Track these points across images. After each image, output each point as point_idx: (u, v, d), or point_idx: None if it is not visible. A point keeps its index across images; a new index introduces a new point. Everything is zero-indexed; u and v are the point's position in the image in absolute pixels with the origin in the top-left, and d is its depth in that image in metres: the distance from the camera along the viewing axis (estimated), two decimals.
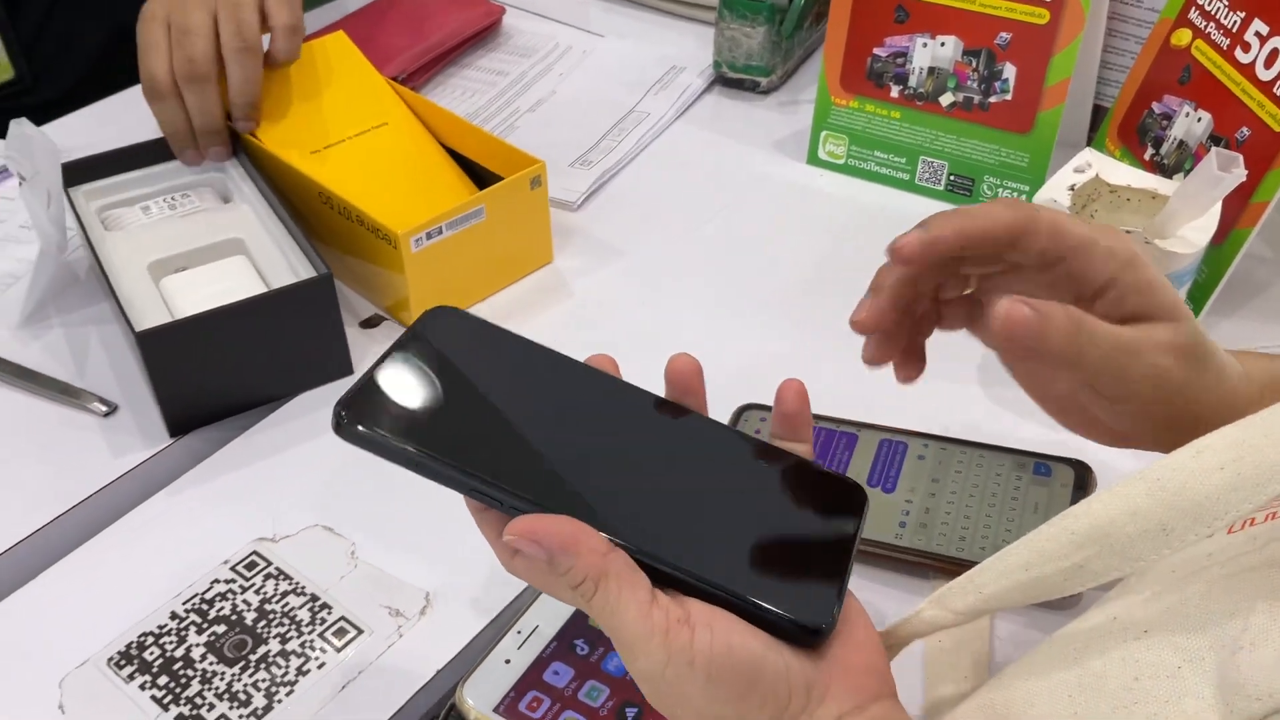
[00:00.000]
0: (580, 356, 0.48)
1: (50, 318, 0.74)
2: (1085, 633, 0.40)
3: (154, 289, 0.68)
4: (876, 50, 0.82)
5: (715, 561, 0.40)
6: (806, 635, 0.39)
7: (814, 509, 0.43)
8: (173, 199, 0.76)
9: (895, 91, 0.83)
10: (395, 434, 0.40)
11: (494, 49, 1.02)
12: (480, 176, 0.80)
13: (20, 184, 0.72)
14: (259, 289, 0.68)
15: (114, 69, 0.97)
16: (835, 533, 0.42)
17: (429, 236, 0.69)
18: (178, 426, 0.66)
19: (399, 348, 0.43)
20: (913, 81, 0.82)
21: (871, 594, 0.56)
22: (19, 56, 0.98)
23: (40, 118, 1.01)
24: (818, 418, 0.64)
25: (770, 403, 0.64)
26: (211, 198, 0.77)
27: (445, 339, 0.45)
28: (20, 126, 0.71)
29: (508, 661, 0.52)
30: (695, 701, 0.38)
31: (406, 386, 0.42)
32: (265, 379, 0.68)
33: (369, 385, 0.42)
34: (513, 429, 0.43)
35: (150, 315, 0.66)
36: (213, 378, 0.66)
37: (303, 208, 0.75)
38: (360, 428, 0.40)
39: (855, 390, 0.68)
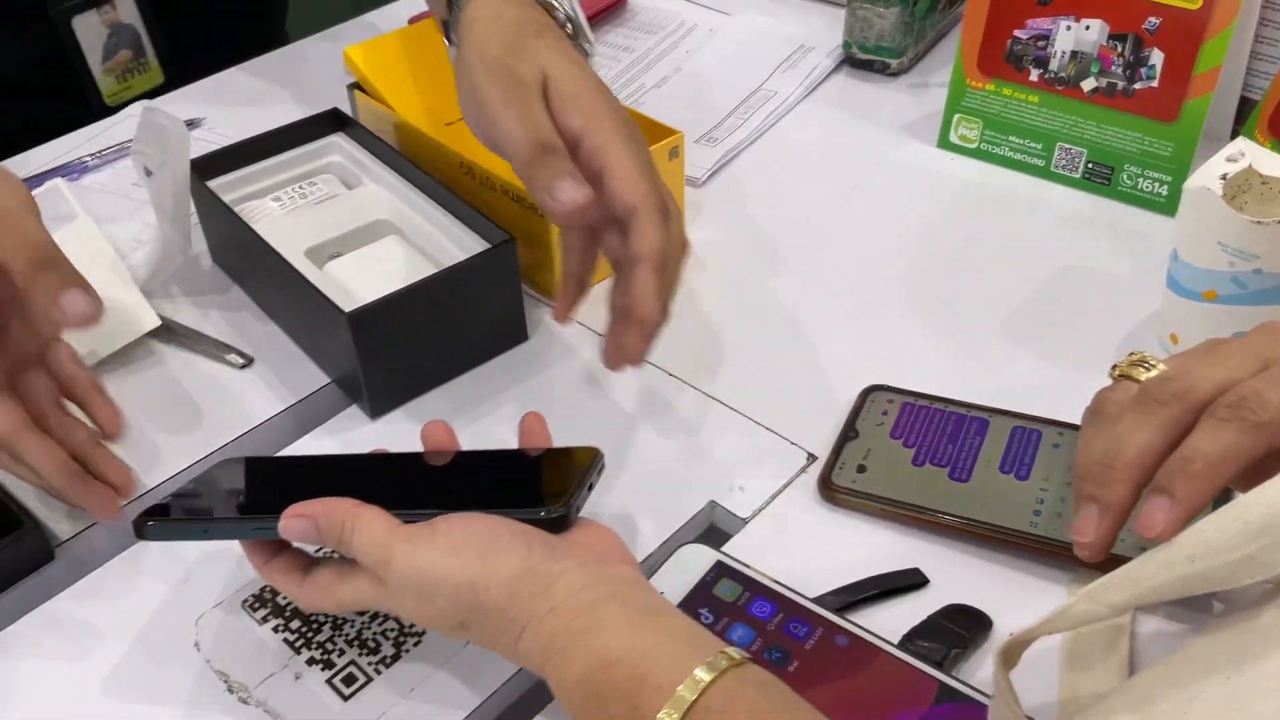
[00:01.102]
0: (705, 332, 0.50)
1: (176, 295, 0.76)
2: (1259, 630, 0.38)
3: (321, 274, 0.69)
4: (1017, 32, 0.80)
5: (464, 500, 0.50)
6: (548, 525, 0.48)
7: (553, 463, 0.55)
8: (300, 188, 0.77)
9: (1035, 75, 0.81)
10: (187, 518, 0.53)
11: (619, 24, 1.02)
12: None
13: (148, 176, 0.73)
14: (425, 265, 0.69)
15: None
16: (572, 471, 0.52)
17: None
18: (379, 408, 0.66)
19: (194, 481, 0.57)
20: (1054, 65, 0.80)
21: (1006, 581, 0.55)
22: (168, 63, 1.00)
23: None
24: (947, 401, 0.63)
25: (900, 385, 0.65)
26: (335, 184, 0.78)
27: (228, 469, 0.58)
28: (153, 114, 0.72)
29: None
30: (444, 589, 0.46)
31: (200, 495, 0.56)
32: (452, 352, 0.68)
33: (166, 503, 0.54)
34: (290, 489, 0.54)
35: (335, 298, 0.65)
36: (409, 355, 0.66)
37: (440, 181, 0.75)
38: (153, 523, 0.52)
39: (983, 375, 0.67)
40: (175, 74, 1.00)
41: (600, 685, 0.42)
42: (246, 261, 0.74)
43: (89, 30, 0.96)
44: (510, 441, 0.59)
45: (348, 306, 0.63)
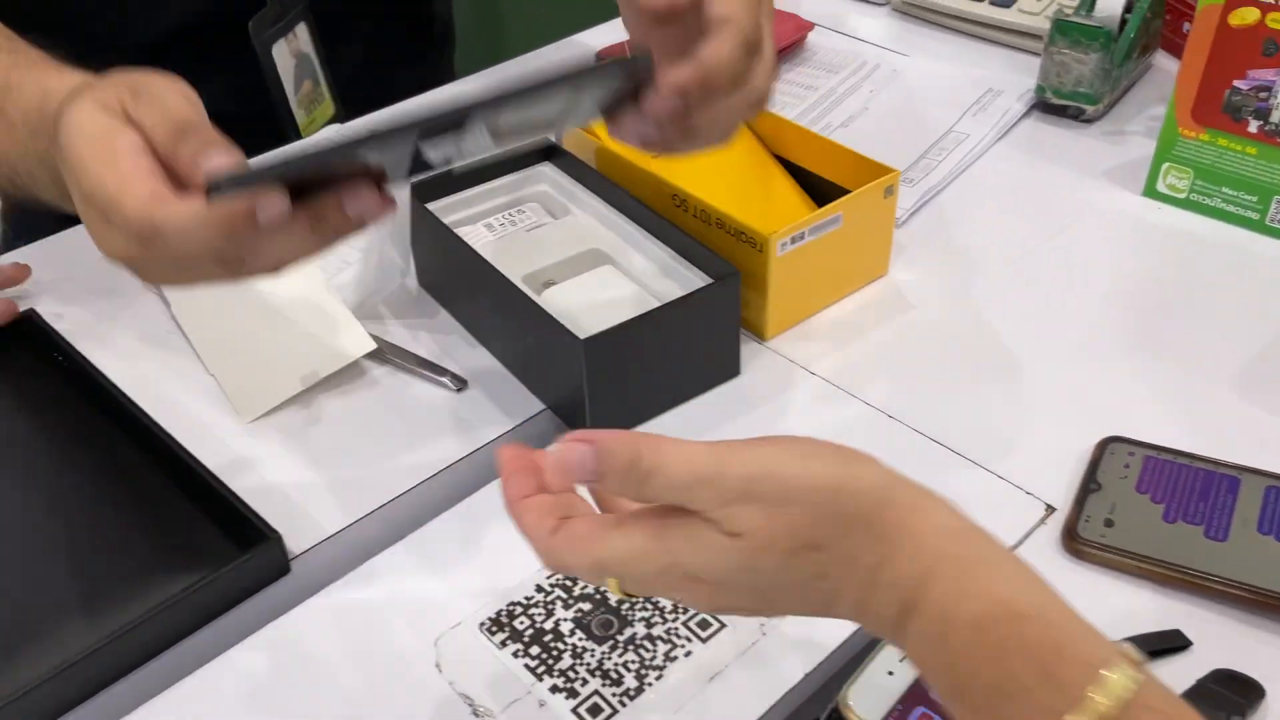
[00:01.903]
0: (921, 374, 0.47)
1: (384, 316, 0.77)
2: None
3: (541, 301, 0.69)
4: (1237, 83, 0.78)
5: None
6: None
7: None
8: (509, 215, 0.77)
9: (1254, 126, 0.79)
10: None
11: (800, 63, 1.02)
12: (805, 181, 0.80)
13: None
14: (641, 295, 0.69)
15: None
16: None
17: (793, 241, 0.69)
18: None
19: None
20: (1275, 117, 0.78)
21: (1273, 647, 0.53)
22: (338, 99, 1.02)
23: None
24: (1191, 457, 0.61)
25: (1132, 436, 0.63)
26: (541, 212, 0.78)
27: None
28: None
29: (890, 674, 0.51)
30: (801, 495, 0.38)
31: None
32: (669, 384, 0.68)
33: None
34: None
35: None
36: (631, 385, 0.66)
37: (651, 212, 0.75)
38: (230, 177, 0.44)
39: (1219, 429, 0.65)
40: (344, 107, 1.02)
41: (1005, 638, 0.36)
42: (461, 285, 0.74)
43: (284, 60, 0.98)
44: None
45: (575, 334, 0.63)
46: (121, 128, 0.49)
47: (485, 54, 1.13)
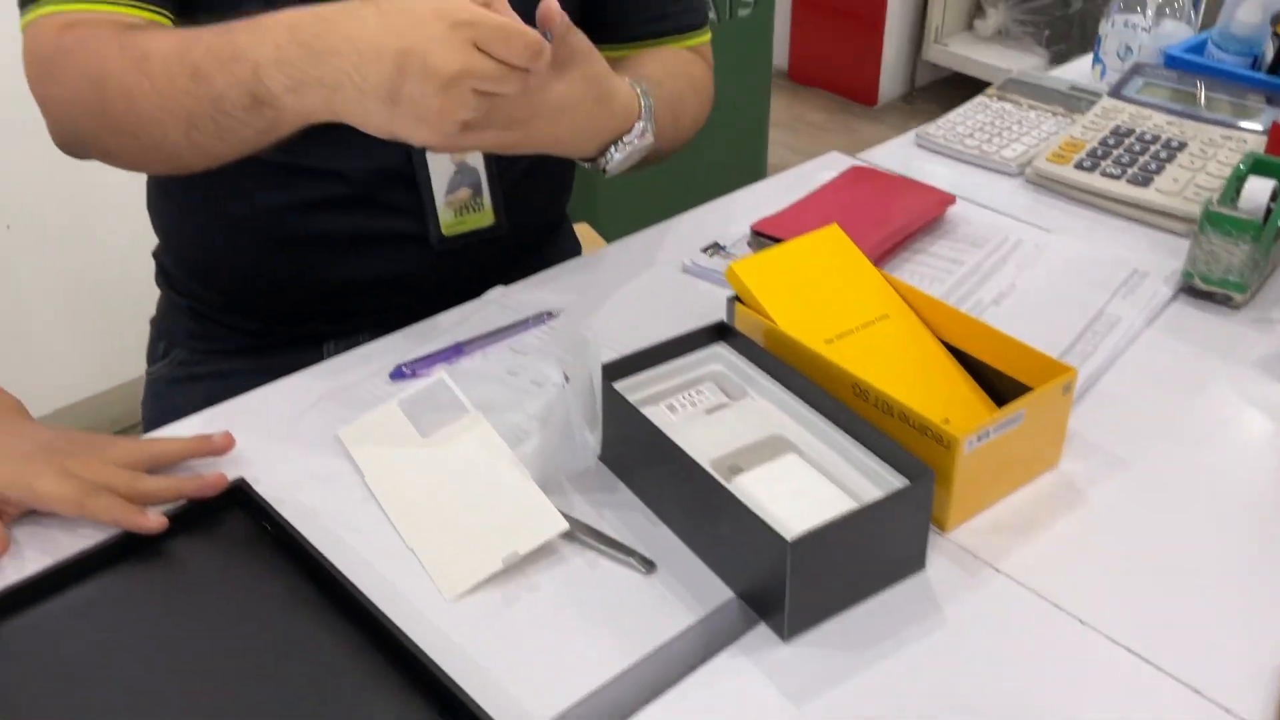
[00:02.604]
0: (1102, 569, 0.48)
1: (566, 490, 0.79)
2: None
3: (736, 491, 0.71)
4: None
5: None
6: None
7: None
8: (689, 395, 0.80)
9: None
10: None
11: (943, 236, 1.05)
12: (973, 369, 0.82)
13: (565, 383, 0.77)
14: (829, 489, 0.71)
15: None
16: None
17: (979, 439, 0.71)
18: (795, 629, 0.68)
19: None
20: None
21: None
22: (500, 208, 1.07)
23: (507, 262, 1.11)
24: None
25: None
26: (717, 393, 0.81)
27: None
28: (582, 331, 0.78)
29: None
30: None
31: None
32: (858, 578, 0.70)
33: None
34: None
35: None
36: (826, 581, 0.68)
37: (830, 398, 0.77)
38: None
39: None
40: (505, 221, 1.06)
41: None
42: (647, 465, 0.77)
43: (439, 160, 1.01)
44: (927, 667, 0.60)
45: (781, 533, 0.65)
46: None
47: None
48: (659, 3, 1.05)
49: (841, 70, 3.53)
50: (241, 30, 0.75)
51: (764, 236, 0.99)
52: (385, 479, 0.79)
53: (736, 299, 0.85)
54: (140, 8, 0.86)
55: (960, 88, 3.55)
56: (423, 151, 1.00)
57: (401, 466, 0.80)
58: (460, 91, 0.71)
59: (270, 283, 1.05)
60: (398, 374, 0.89)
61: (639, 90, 0.91)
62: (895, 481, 0.71)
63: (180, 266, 1.11)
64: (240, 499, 0.76)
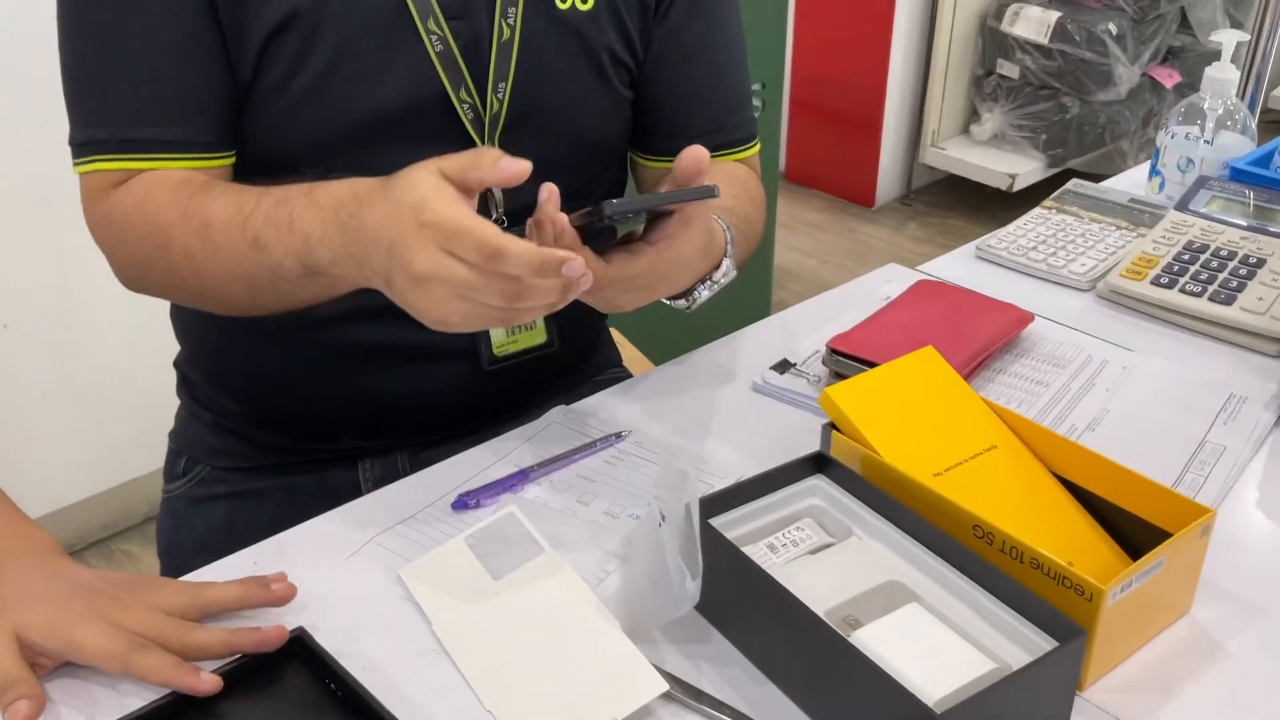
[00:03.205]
0: None
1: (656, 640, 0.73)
2: None
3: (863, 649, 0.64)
4: None
5: None
6: None
7: None
8: (789, 534, 0.74)
9: None
10: None
11: (1022, 355, 1.00)
12: (1088, 502, 0.76)
13: (661, 523, 0.71)
14: (958, 644, 0.64)
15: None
16: None
17: (1122, 590, 0.65)
18: None
19: None
20: None
21: None
22: (552, 325, 1.01)
23: (554, 376, 1.05)
24: None
25: None
26: (818, 530, 0.74)
27: None
28: (677, 463, 0.72)
29: None
30: None
31: None
32: None
33: None
34: None
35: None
36: None
37: (948, 540, 0.71)
38: None
39: None
40: (556, 337, 1.01)
41: None
42: (751, 614, 0.70)
43: None
44: None
45: (926, 703, 0.58)
46: (448, 185, 0.69)
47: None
48: (713, 116, 1.01)
49: (839, 172, 3.53)
50: (298, 202, 0.77)
51: (842, 355, 0.94)
52: (456, 627, 0.72)
53: (833, 426, 0.79)
54: (196, 159, 0.85)
55: (957, 190, 3.56)
56: None
57: (473, 613, 0.72)
58: (435, 292, 0.69)
59: (304, 397, 0.99)
60: (460, 504, 0.82)
61: (723, 225, 0.87)
62: (1039, 640, 0.64)
63: (205, 377, 1.04)
64: (299, 650, 0.68)
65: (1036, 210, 1.23)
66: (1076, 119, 3.24)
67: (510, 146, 0.91)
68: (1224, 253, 1.08)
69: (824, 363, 0.95)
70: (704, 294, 0.86)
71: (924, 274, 1.14)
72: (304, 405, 0.99)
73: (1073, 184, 1.27)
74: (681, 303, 0.87)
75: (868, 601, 0.69)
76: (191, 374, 1.06)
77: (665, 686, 0.66)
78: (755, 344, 1.04)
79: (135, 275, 0.88)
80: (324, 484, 1.01)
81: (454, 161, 0.70)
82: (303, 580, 0.75)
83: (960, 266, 1.17)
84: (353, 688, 0.65)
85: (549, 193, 0.74)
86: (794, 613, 0.65)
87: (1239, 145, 1.22)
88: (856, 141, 3.47)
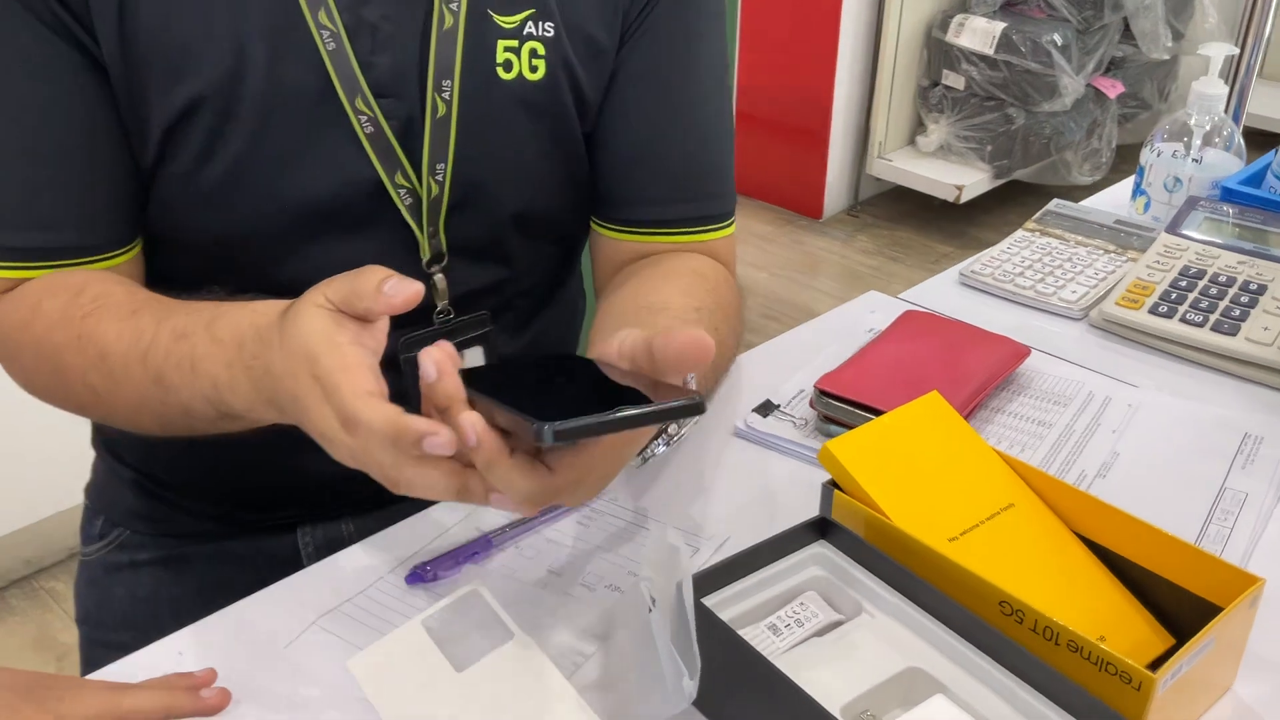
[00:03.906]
0: None
1: None
2: None
3: None
4: None
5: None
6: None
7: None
8: (793, 613, 0.65)
9: None
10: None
11: (1018, 392, 0.93)
12: (1114, 565, 0.69)
13: (651, 608, 0.62)
14: None
15: None
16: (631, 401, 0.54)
17: (1172, 676, 0.58)
18: None
19: None
20: None
21: None
22: None
23: None
24: None
25: None
26: (825, 606, 0.66)
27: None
28: (666, 536, 0.63)
29: None
30: None
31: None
32: None
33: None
34: None
35: None
36: None
37: (973, 620, 0.62)
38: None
39: None
40: None
41: None
42: (752, 709, 0.61)
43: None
44: None
45: None
46: (339, 324, 0.59)
47: None
48: (679, 179, 0.85)
49: (786, 183, 3.48)
50: (200, 338, 0.67)
51: (831, 397, 0.86)
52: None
53: (834, 485, 0.71)
54: (90, 262, 0.75)
55: (904, 201, 3.53)
56: (415, 370, 0.87)
57: (434, 713, 0.63)
58: (340, 454, 0.59)
59: (236, 467, 0.88)
60: (415, 577, 0.73)
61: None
62: None
63: (126, 434, 0.93)
64: None
65: (1019, 234, 1.16)
66: (1022, 130, 3.22)
67: (454, 230, 0.82)
68: (1222, 279, 1.02)
69: (812, 405, 0.87)
70: (660, 449, 0.76)
71: (908, 303, 1.07)
72: (237, 478, 0.89)
73: (1054, 204, 1.20)
74: (635, 460, 0.76)
75: (887, 693, 0.61)
76: (110, 428, 0.94)
77: None
78: (732, 380, 0.95)
79: (37, 392, 0.78)
80: (260, 550, 0.90)
81: (337, 290, 0.59)
82: (234, 675, 0.65)
83: (942, 293, 1.10)
84: None
85: (437, 366, 0.58)
86: (806, 711, 0.57)
87: (1227, 163, 1.16)
88: (803, 153, 3.42)
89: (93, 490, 0.98)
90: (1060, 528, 0.71)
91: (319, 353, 0.57)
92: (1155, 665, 0.58)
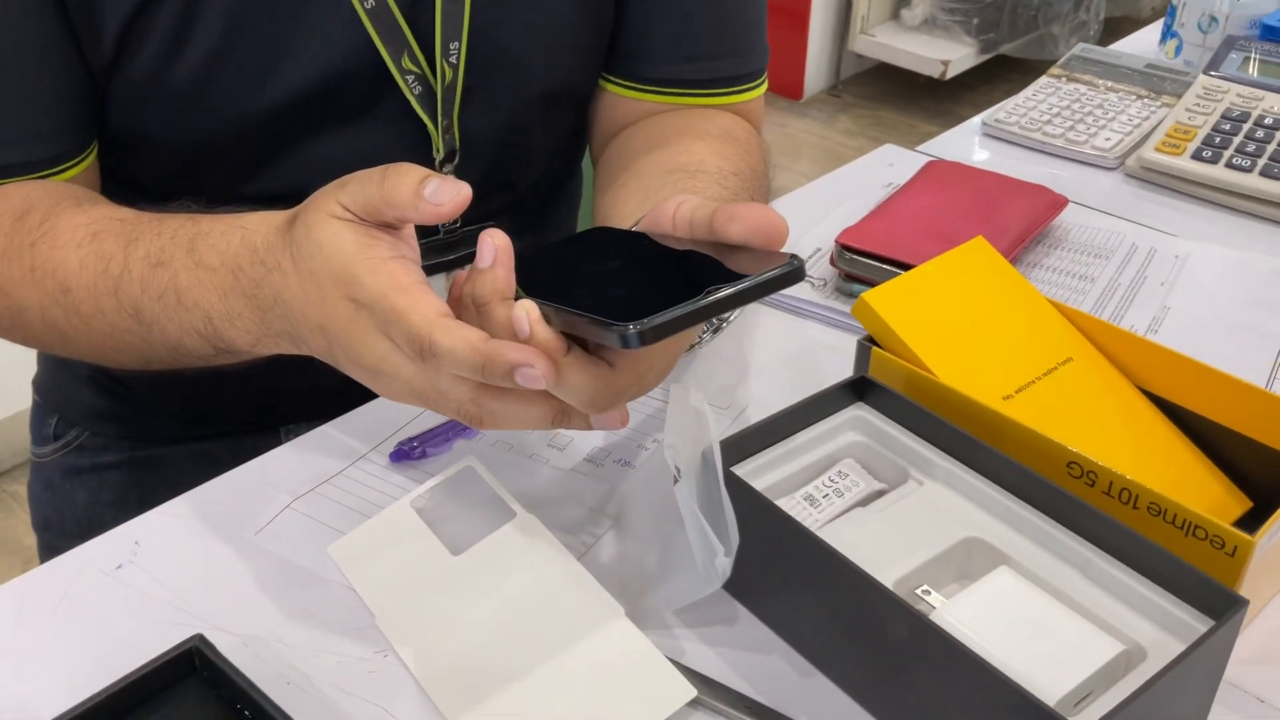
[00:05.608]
0: None
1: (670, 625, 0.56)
2: None
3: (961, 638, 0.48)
4: None
5: None
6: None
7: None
8: (831, 482, 0.58)
9: None
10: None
11: (1058, 245, 0.85)
12: (1180, 419, 0.62)
13: (676, 479, 0.54)
14: (1074, 624, 0.49)
15: None
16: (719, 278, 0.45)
17: (1269, 539, 0.51)
18: None
19: None
20: None
21: None
22: None
23: None
24: None
25: None
26: (865, 475, 0.58)
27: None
28: (683, 390, 0.54)
29: None
30: None
31: None
32: None
33: None
34: None
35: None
36: None
37: (1041, 483, 0.55)
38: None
39: None
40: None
41: None
42: (791, 588, 0.54)
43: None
44: None
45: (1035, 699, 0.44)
46: (372, 237, 0.49)
47: None
48: (719, 33, 0.76)
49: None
50: (180, 264, 0.56)
51: (855, 252, 0.77)
52: (406, 624, 0.55)
53: (870, 341, 0.63)
54: (35, 177, 0.64)
55: (886, 80, 3.40)
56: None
57: (427, 602, 0.55)
58: (394, 389, 0.51)
59: (204, 376, 0.78)
60: (400, 454, 0.64)
61: None
62: (1178, 613, 0.49)
63: None
64: (199, 664, 0.50)
65: (1044, 79, 1.07)
66: (1010, 1, 3.09)
67: (470, 120, 0.71)
68: (1268, 120, 0.94)
69: (833, 263, 0.79)
70: (707, 338, 0.68)
71: (926, 155, 0.98)
72: (211, 391, 0.78)
73: (1080, 49, 1.11)
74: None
75: (942, 567, 0.54)
76: None
77: (693, 693, 0.51)
78: None
79: None
80: (242, 450, 0.81)
81: (355, 196, 0.49)
82: (198, 566, 0.58)
83: (964, 143, 1.01)
84: (269, 712, 0.48)
85: (493, 253, 0.49)
86: (853, 586, 0.50)
87: (1264, 2, 1.07)
88: (782, 30, 3.27)
89: (41, 385, 0.88)
90: (1124, 383, 0.64)
91: (358, 272, 0.48)
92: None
